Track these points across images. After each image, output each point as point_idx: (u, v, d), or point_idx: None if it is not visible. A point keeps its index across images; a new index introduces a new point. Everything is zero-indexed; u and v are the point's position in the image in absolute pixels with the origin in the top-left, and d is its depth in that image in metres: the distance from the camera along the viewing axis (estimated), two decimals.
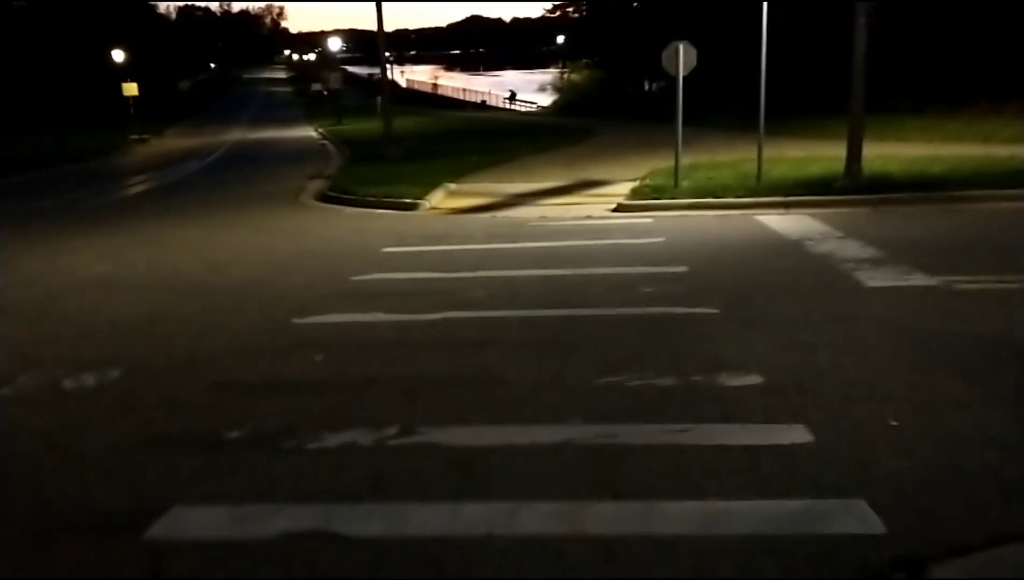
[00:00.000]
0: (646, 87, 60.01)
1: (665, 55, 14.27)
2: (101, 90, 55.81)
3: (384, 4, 23.70)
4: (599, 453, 4.62)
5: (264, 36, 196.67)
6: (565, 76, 64.30)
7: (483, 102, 71.82)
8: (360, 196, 16.52)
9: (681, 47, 14.14)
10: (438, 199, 16.14)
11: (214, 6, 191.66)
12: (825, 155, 18.86)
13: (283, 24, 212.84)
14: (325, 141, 39.07)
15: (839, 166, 16.31)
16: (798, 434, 4.76)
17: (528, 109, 63.86)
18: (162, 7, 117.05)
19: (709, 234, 11.30)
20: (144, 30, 68.33)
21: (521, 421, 5.12)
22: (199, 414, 5.47)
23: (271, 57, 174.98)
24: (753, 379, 5.63)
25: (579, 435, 4.84)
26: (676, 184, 14.69)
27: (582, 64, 61.34)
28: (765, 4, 13.97)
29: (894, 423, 4.88)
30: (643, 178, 16.57)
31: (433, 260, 10.23)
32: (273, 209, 16.33)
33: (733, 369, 5.83)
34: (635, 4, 60.92)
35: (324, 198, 17.43)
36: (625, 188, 15.82)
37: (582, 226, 12.49)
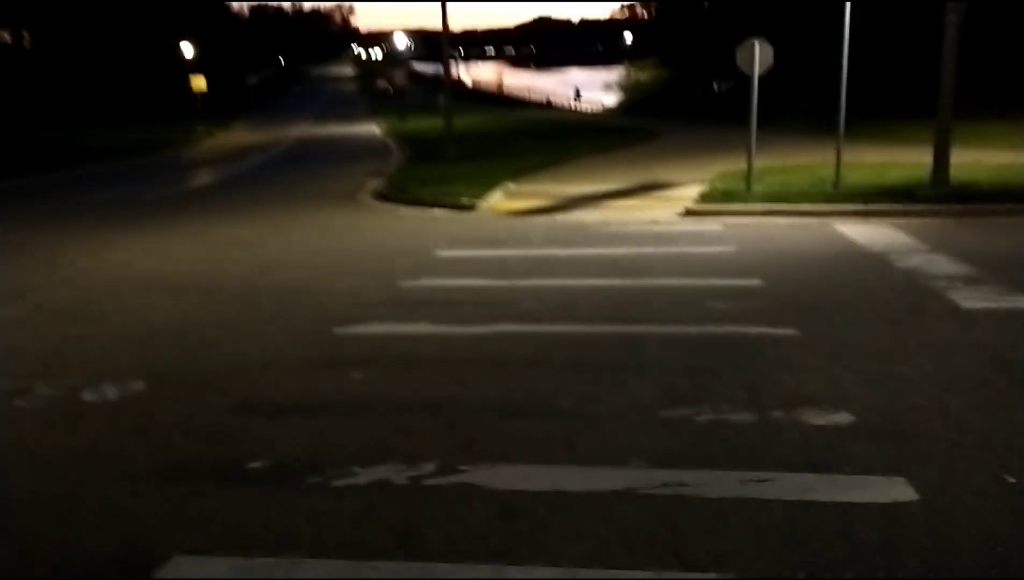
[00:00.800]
0: (714, 87, 58.99)
1: (740, 53, 13.48)
2: (170, 83, 56.56)
3: (453, 4, 23.28)
4: (665, 507, 3.97)
5: (334, 33, 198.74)
6: (631, 75, 63.41)
7: (548, 101, 71.22)
8: (417, 196, 16.05)
9: (757, 44, 13.34)
10: (496, 200, 15.58)
11: (286, 4, 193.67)
12: (905, 161, 17.87)
13: (353, 22, 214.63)
14: (388, 139, 38.88)
15: (921, 173, 15.36)
16: (899, 490, 4.05)
17: (593, 109, 63.03)
18: (235, 6, 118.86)
19: (784, 243, 10.52)
20: (214, 25, 69.11)
21: (574, 460, 4.51)
22: (219, 439, 4.96)
23: (340, 54, 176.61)
24: (842, 418, 4.92)
25: (641, 482, 4.21)
26: (748, 188, 13.89)
27: (649, 63, 60.42)
28: (848, 1, 13.08)
29: (1012, 480, 4.15)
30: (712, 181, 15.79)
31: (487, 266, 9.65)
32: (329, 207, 15.94)
33: (818, 405, 5.13)
34: (705, 3, 59.87)
35: (381, 197, 17.01)
36: (693, 191, 15.06)
37: (646, 231, 11.80)
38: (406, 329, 7.14)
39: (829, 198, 12.95)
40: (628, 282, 8.56)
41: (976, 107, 30.24)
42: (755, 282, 8.38)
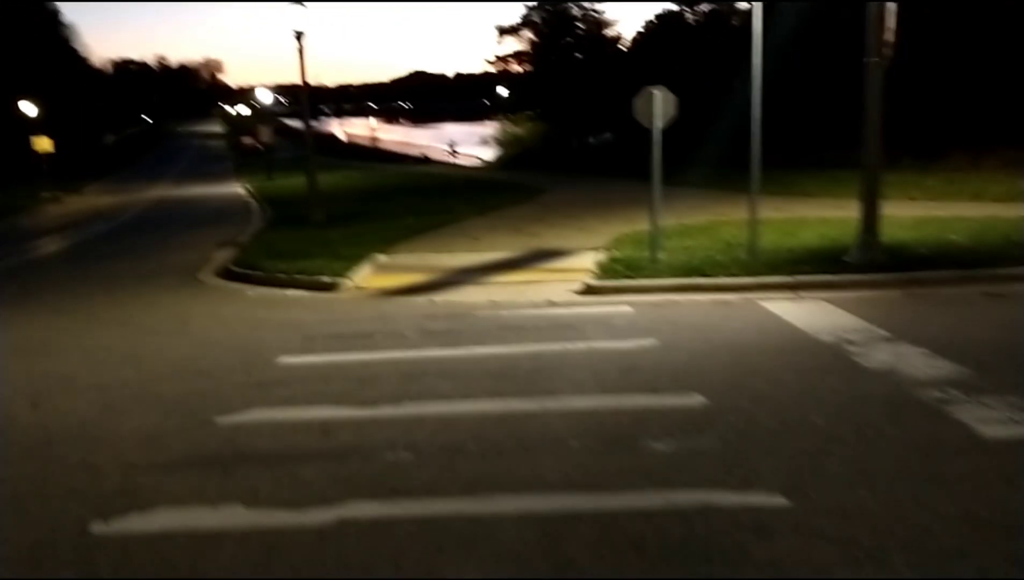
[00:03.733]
0: (590, 140, 58.39)
1: (638, 103, 11.72)
2: (14, 144, 51.83)
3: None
4: None
5: (202, 89, 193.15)
6: (507, 129, 62.38)
7: (424, 156, 69.48)
8: (269, 272, 13.58)
9: (658, 94, 11.61)
10: (364, 276, 13.28)
11: (151, 60, 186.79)
12: (811, 216, 16.55)
13: (221, 78, 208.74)
14: (251, 199, 36.02)
15: (836, 231, 13.98)
16: None
17: (470, 163, 61.59)
18: (98, 61, 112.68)
19: (712, 332, 8.61)
20: (64, 81, 64.60)
21: None
22: None
23: (208, 111, 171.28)
24: None
25: None
26: (653, 258, 12.05)
27: (524, 117, 59.54)
28: (757, 42, 11.54)
29: None
30: (609, 248, 13.94)
31: (343, 381, 7.34)
32: (160, 291, 13.27)
33: None
34: (578, 55, 59.53)
35: (228, 274, 14.43)
36: (588, 260, 13.17)
37: (544, 317, 9.73)
38: (205, 521, 4.70)
39: (748, 269, 11.21)
40: (530, 406, 6.40)
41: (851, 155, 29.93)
42: (697, 400, 6.35)
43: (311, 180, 21.96)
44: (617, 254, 13.05)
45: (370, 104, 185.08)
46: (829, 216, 16.62)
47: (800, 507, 4.54)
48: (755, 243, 12.08)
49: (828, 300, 9.86)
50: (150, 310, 11.62)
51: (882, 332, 8.19)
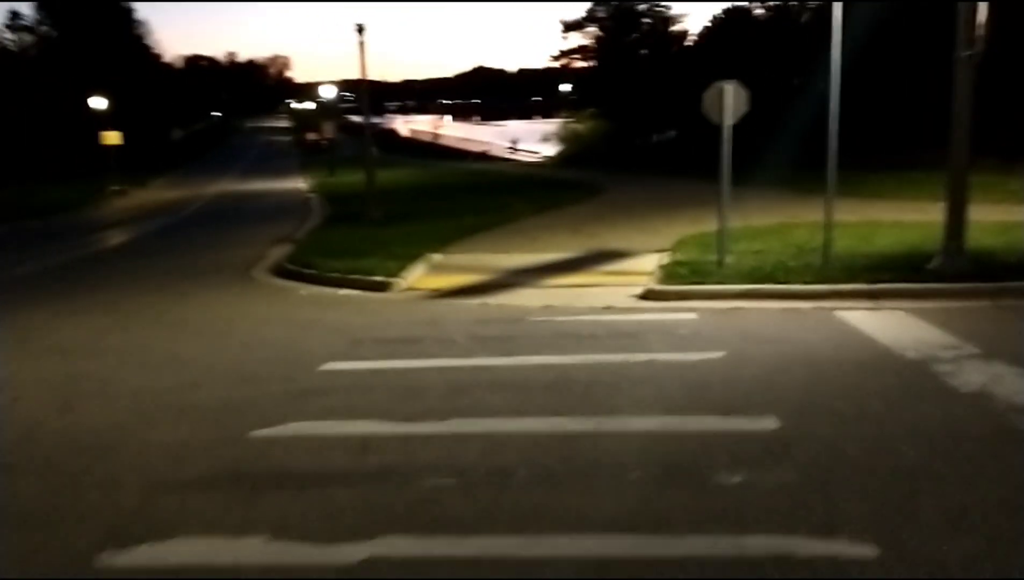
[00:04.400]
0: (653, 138, 57.42)
1: (707, 98, 11.09)
2: (84, 139, 52.83)
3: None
4: None
5: (270, 86, 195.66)
6: (570, 126, 61.80)
7: (485, 153, 69.26)
8: (323, 271, 13.27)
9: (729, 88, 10.96)
10: (417, 276, 12.88)
11: (222, 56, 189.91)
12: (885, 218, 15.69)
13: (289, 74, 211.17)
14: (312, 194, 36.07)
15: (915, 236, 13.16)
16: None
17: (531, 160, 61.12)
18: (169, 57, 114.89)
19: (784, 344, 7.97)
20: (134, 77, 65.78)
21: None
22: None
23: (276, 106, 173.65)
24: None
25: None
26: (720, 262, 11.41)
27: (587, 114, 58.89)
28: (836, 39, 10.81)
29: None
30: (672, 250, 13.33)
31: (388, 391, 6.90)
32: (212, 289, 13.07)
33: None
34: (642, 52, 58.61)
35: (281, 272, 14.19)
36: (650, 262, 12.59)
37: (602, 324, 9.19)
38: (223, 555, 4.25)
39: (822, 275, 10.51)
40: (586, 426, 5.86)
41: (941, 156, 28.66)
42: (770, 424, 5.75)
43: (369, 177, 21.69)
44: (681, 257, 12.44)
45: (434, 101, 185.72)
46: (905, 220, 15.74)
47: (891, 557, 3.94)
48: (830, 248, 11.34)
49: (910, 311, 9.13)
50: (199, 309, 11.37)
51: (972, 348, 7.47)
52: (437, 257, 14.36)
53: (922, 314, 8.93)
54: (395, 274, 12.52)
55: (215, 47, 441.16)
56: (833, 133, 11.08)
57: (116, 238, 23.43)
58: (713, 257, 11.79)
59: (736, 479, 4.85)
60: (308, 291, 12.43)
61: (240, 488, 5.00)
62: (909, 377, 6.77)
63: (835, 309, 9.36)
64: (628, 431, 5.75)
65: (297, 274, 13.63)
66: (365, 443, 5.65)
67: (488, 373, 7.35)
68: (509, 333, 8.94)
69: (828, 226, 11.34)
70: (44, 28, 71.61)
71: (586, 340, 8.45)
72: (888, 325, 8.58)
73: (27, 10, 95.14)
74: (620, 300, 10.50)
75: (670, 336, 8.44)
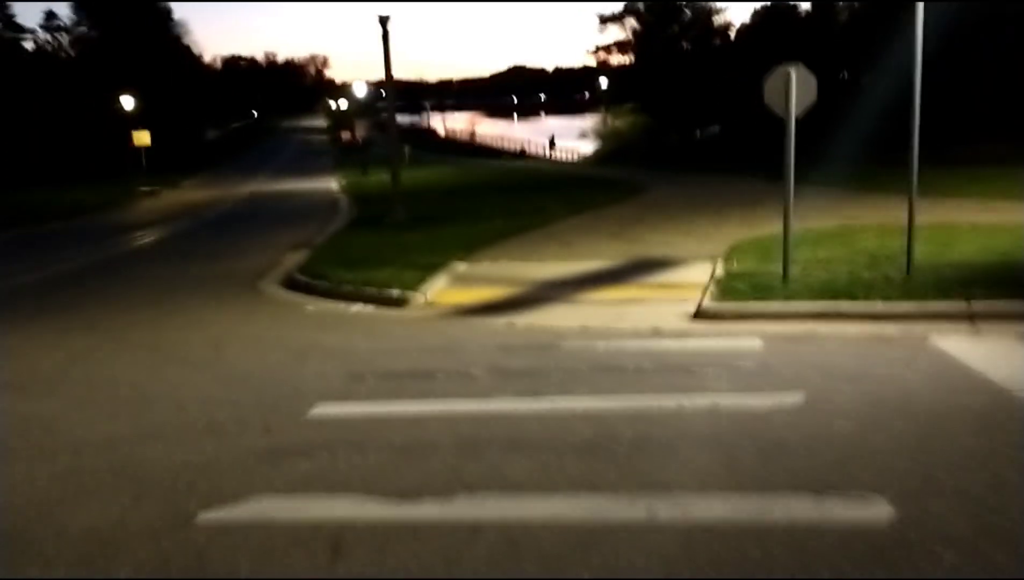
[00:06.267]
0: (696, 134, 55.57)
1: (769, 85, 9.56)
2: (117, 139, 52.26)
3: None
4: None
5: (308, 85, 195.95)
6: (608, 122, 60.24)
7: (522, 150, 67.87)
8: (335, 283, 11.97)
9: (794, 74, 9.43)
10: (438, 289, 11.51)
11: (260, 56, 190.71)
12: (959, 221, 13.98)
13: (327, 73, 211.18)
14: (343, 195, 34.93)
15: (999, 241, 11.62)
16: None
17: (568, 158, 59.59)
18: (208, 57, 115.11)
19: (876, 384, 6.45)
20: (168, 77, 65.32)
21: None
22: None
23: (313, 105, 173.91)
24: None
25: None
26: (785, 275, 9.88)
27: (625, 109, 57.29)
28: (918, 33, 9.24)
29: None
30: (725, 258, 11.83)
31: (383, 450, 5.51)
32: (212, 303, 11.81)
33: None
34: (683, 45, 56.76)
35: (291, 283, 12.90)
36: (700, 273, 11.12)
37: (649, 353, 7.72)
38: None
39: (908, 291, 8.95)
40: (632, 513, 4.42)
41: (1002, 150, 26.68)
42: (881, 513, 4.27)
43: (394, 177, 20.39)
44: (737, 268, 10.93)
45: (471, 99, 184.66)
46: (980, 221, 14.08)
47: None
48: (912, 257, 9.77)
49: (1021, 337, 7.57)
50: (190, 329, 10.09)
51: None
52: (462, 266, 12.97)
53: None
54: (414, 287, 11.18)
55: (254, 47, 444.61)
56: (915, 129, 9.57)
57: (133, 242, 22.37)
58: (774, 268, 10.28)
59: None
60: (316, 307, 11.13)
61: None
62: None
63: (928, 333, 7.82)
64: (689, 521, 4.29)
65: (307, 286, 12.34)
66: (338, 538, 4.26)
67: (509, 424, 5.93)
68: (538, 365, 7.51)
69: (910, 232, 9.77)
70: (81, 28, 71.63)
71: (631, 376, 7.01)
72: (998, 356, 7.03)
73: (64, 9, 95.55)
74: (669, 320, 9.03)
75: (732, 371, 6.96)
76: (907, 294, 8.85)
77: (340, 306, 11.02)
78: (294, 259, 15.40)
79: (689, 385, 6.60)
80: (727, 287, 9.75)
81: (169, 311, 11.25)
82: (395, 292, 11.00)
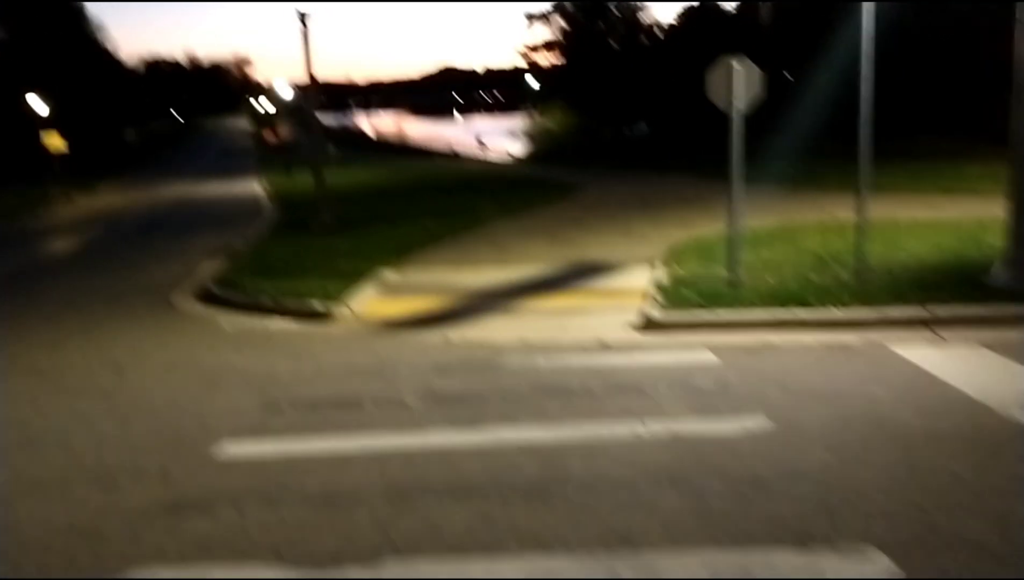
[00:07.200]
0: (626, 132, 55.49)
1: (712, 79, 9.02)
2: (23, 140, 49.79)
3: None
4: None
5: (232, 85, 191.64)
6: (538, 121, 59.89)
7: (452, 151, 67.03)
8: (252, 295, 11.08)
9: (739, 67, 8.90)
10: (366, 300, 10.72)
11: (182, 57, 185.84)
12: (900, 218, 13.68)
13: (251, 73, 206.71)
14: (267, 199, 33.65)
15: (948, 239, 11.31)
16: None
17: (499, 158, 58.98)
18: (128, 60, 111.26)
19: (843, 401, 5.92)
20: (81, 78, 62.78)
21: None
22: None
23: (237, 106, 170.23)
24: None
25: None
26: (734, 280, 9.36)
27: (555, 108, 57.01)
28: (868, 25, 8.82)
29: None
30: (667, 261, 11.30)
31: (297, 501, 4.75)
32: (117, 321, 10.80)
33: None
34: (611, 43, 56.68)
35: (207, 296, 11.94)
36: (642, 277, 10.58)
37: (597, 371, 7.09)
38: None
39: (863, 296, 8.49)
40: (593, 577, 3.77)
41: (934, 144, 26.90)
42: (881, 568, 3.69)
43: (318, 179, 19.46)
44: (682, 272, 10.39)
45: (400, 99, 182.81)
46: (922, 218, 13.87)
47: None
48: (864, 259, 9.34)
49: (985, 344, 7.16)
50: (91, 351, 9.12)
51: None
52: (391, 275, 12.18)
53: (1003, 347, 6.97)
54: (338, 298, 10.38)
55: (175, 47, 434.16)
56: (865, 120, 9.17)
57: (40, 252, 20.98)
58: (719, 272, 9.78)
59: None
60: (232, 324, 10.22)
61: None
62: None
63: (888, 341, 7.36)
64: None
65: (224, 298, 11.41)
66: None
67: (446, 464, 5.22)
68: (476, 388, 6.82)
69: (860, 232, 9.34)
70: None
71: (578, 398, 6.36)
72: (969, 368, 6.60)
73: None
74: (614, 331, 8.43)
75: (688, 390, 6.37)
76: (862, 299, 8.39)
77: (259, 322, 10.15)
78: (210, 268, 14.40)
79: (643, 408, 5.98)
80: (673, 295, 9.17)
81: (70, 330, 10.24)
82: (317, 305, 10.18)
